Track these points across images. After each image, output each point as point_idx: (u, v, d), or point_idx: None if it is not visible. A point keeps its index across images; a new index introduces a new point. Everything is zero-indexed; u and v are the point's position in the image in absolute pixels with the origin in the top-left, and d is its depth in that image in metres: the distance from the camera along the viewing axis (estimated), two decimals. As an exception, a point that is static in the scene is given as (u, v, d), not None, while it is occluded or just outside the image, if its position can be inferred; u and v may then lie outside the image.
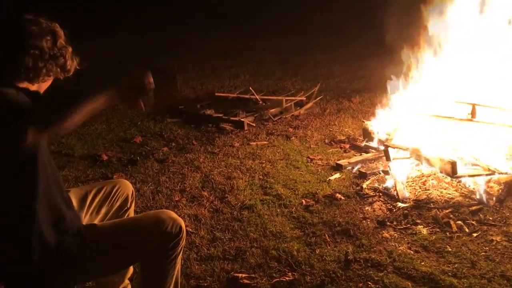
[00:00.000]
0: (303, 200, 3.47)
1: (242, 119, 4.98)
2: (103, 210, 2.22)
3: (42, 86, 1.86)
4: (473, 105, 3.76)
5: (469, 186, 3.48)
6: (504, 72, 3.97)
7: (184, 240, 2.07)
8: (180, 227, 2.02)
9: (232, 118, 5.03)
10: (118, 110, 5.66)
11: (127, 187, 2.31)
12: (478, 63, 4.02)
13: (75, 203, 2.07)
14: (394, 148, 3.76)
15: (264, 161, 4.17)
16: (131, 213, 2.32)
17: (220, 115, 5.13)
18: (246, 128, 4.91)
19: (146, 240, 1.97)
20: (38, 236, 1.76)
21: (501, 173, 3.49)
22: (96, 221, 2.17)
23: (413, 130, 3.95)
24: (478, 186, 3.42)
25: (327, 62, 7.72)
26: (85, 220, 2.12)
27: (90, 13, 11.47)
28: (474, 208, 3.22)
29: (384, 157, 3.86)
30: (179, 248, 2.05)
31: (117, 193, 2.26)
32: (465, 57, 4.08)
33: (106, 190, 2.23)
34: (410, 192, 3.47)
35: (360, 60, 7.35)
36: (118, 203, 2.26)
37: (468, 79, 3.99)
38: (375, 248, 2.86)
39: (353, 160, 4.04)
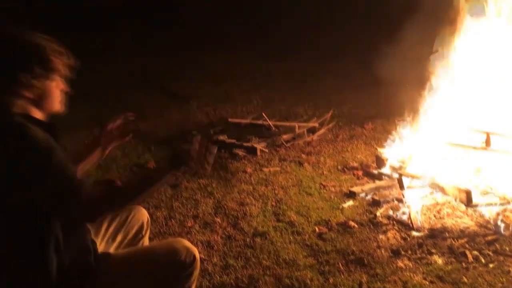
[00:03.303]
0: (316, 228, 3.45)
1: (255, 145, 5.00)
2: (119, 238, 2.23)
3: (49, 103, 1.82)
4: (488, 134, 3.74)
5: (485, 215, 3.45)
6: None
7: (198, 269, 2.07)
8: (194, 257, 2.02)
9: (245, 144, 5.04)
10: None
11: (142, 215, 2.32)
12: (493, 91, 4.01)
13: (91, 229, 2.08)
14: (408, 176, 3.74)
15: (276, 187, 4.17)
16: (146, 240, 2.33)
17: (233, 140, 5.15)
18: (259, 154, 4.92)
19: (160, 270, 1.97)
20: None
21: (517, 202, 3.46)
22: (111, 249, 2.18)
23: (427, 158, 3.94)
24: (494, 215, 3.39)
25: (339, 88, 7.74)
26: (100, 247, 2.13)
27: (96, 32, 11.60)
28: (490, 238, 3.18)
29: (398, 185, 3.84)
30: (193, 278, 2.04)
31: (132, 221, 2.27)
32: (480, 85, 4.08)
33: (121, 218, 2.24)
34: (425, 221, 3.44)
35: (373, 86, 7.35)
36: (133, 231, 2.27)
37: (482, 107, 3.98)
38: (389, 278, 2.83)
39: (366, 187, 4.02)
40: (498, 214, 3.39)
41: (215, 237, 3.36)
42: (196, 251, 2.05)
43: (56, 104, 1.84)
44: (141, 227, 2.30)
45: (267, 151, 5.03)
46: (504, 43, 4.00)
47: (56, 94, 1.83)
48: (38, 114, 1.78)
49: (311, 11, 12.01)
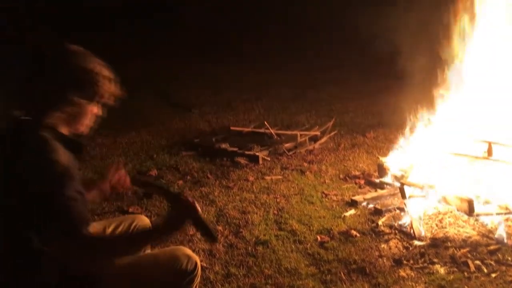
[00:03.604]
0: (318, 236, 3.45)
1: (257, 153, 5.01)
2: None
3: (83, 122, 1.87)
4: (490, 143, 3.74)
5: (487, 225, 3.44)
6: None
7: (199, 277, 2.07)
8: (196, 264, 2.02)
9: (247, 152, 5.06)
10: (134, 143, 5.74)
11: (145, 223, 2.33)
12: (495, 100, 4.03)
13: None
14: (410, 186, 3.75)
15: (278, 196, 4.17)
16: (148, 248, 2.33)
17: (235, 149, 5.17)
18: (260, 162, 4.93)
19: (161, 277, 1.97)
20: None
21: (519, 212, 3.46)
22: None
23: (429, 167, 3.94)
24: (496, 225, 3.38)
25: (341, 96, 7.76)
26: None
27: (96, 32, 11.59)
28: (492, 247, 3.18)
29: (400, 194, 3.84)
30: (194, 285, 2.04)
31: (135, 229, 2.27)
32: (482, 95, 4.09)
33: (124, 226, 2.25)
34: (427, 230, 3.43)
35: (375, 95, 7.38)
36: None
37: (485, 117, 3.98)
38: (391, 288, 2.82)
39: (368, 196, 4.02)
40: (500, 224, 3.38)
41: (217, 246, 3.35)
42: (197, 259, 2.05)
43: (85, 125, 1.89)
44: None
45: (269, 159, 5.04)
46: (507, 53, 4.02)
47: (90, 117, 1.89)
48: (64, 130, 1.82)
49: (313, 19, 12.07)
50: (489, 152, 3.75)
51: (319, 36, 11.47)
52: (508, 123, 3.91)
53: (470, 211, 3.45)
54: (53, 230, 1.64)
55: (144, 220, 2.34)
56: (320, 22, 11.81)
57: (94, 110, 1.88)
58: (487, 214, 3.48)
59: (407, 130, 4.64)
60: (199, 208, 1.88)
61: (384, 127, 6.05)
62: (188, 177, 4.68)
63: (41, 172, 1.64)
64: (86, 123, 1.89)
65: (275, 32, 12.29)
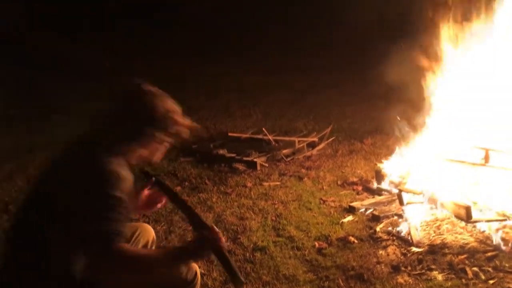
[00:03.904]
0: (316, 243, 3.45)
1: (255, 160, 5.01)
2: None
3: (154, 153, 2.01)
4: (487, 150, 3.76)
5: (484, 231, 3.45)
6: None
7: (199, 286, 2.08)
8: (195, 274, 2.04)
9: (245, 158, 5.06)
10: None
11: (148, 233, 2.34)
12: (492, 107, 4.04)
13: None
14: (407, 192, 3.76)
15: (276, 202, 4.17)
16: None
17: (233, 155, 5.17)
18: (258, 168, 4.94)
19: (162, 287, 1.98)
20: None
21: (516, 219, 3.46)
22: None
23: (427, 174, 3.95)
24: (494, 231, 3.39)
25: (339, 102, 7.77)
26: None
27: (96, 32, 11.54)
28: (489, 254, 3.18)
29: (398, 201, 3.85)
30: None
31: (138, 237, 2.29)
32: (479, 101, 4.11)
33: (127, 234, 2.25)
34: (425, 237, 3.44)
35: (373, 100, 7.40)
36: (139, 247, 2.28)
37: (482, 124, 4.00)
38: (389, 294, 2.82)
39: (366, 202, 4.03)
40: (497, 230, 3.39)
41: (215, 252, 3.35)
42: (197, 268, 2.07)
43: (157, 157, 2.04)
44: (146, 245, 2.31)
45: (267, 165, 5.05)
46: (503, 60, 4.04)
47: (163, 150, 2.04)
48: (135, 160, 1.96)
49: (313, 20, 12.09)
50: (486, 158, 3.77)
51: (319, 36, 11.47)
52: (505, 129, 3.93)
53: (467, 217, 3.46)
54: (90, 241, 1.71)
55: (147, 229, 2.35)
56: (320, 22, 11.82)
57: (167, 143, 2.02)
58: (485, 221, 3.49)
59: (404, 136, 4.65)
60: (224, 245, 1.93)
61: (382, 133, 6.05)
62: (186, 183, 4.68)
63: (94, 195, 1.75)
64: (158, 155, 2.04)
65: (275, 32, 12.30)
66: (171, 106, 1.98)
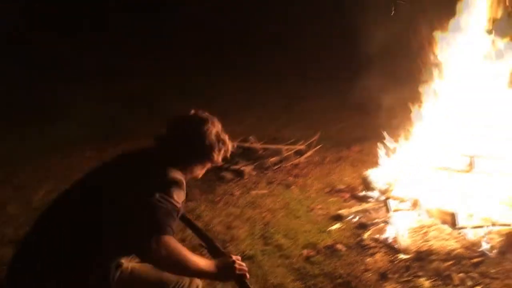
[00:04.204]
0: (304, 251, 3.46)
1: (243, 168, 5.01)
2: None
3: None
4: (472, 157, 3.80)
5: (470, 237, 3.48)
6: (501, 122, 4.05)
7: None
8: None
9: (232, 167, 5.06)
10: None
11: None
12: (477, 115, 4.10)
13: None
14: (394, 199, 3.78)
15: (264, 210, 4.17)
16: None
17: (221, 163, 5.16)
18: (246, 176, 4.94)
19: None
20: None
21: (502, 225, 3.50)
22: None
23: (413, 181, 3.98)
24: (479, 237, 3.42)
25: (327, 109, 7.81)
26: None
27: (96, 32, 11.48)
28: (475, 260, 3.21)
29: (385, 207, 3.87)
30: None
31: None
32: (464, 109, 4.16)
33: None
34: (411, 243, 3.45)
35: (360, 108, 7.43)
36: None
37: (467, 131, 4.05)
38: (377, 302, 2.83)
39: (353, 210, 4.04)
40: (483, 236, 3.42)
41: (203, 261, 3.34)
42: (199, 283, 2.25)
43: (201, 174, 2.29)
44: None
45: (254, 174, 5.05)
46: (487, 68, 4.10)
47: (208, 168, 2.30)
48: (186, 177, 2.12)
49: (303, 32, 12.12)
50: (471, 165, 3.80)
51: (308, 49, 11.52)
52: (489, 136, 3.98)
53: (453, 224, 3.49)
54: (145, 232, 1.84)
55: None
56: (309, 34, 11.87)
57: (213, 163, 2.27)
58: (470, 227, 3.52)
59: (392, 143, 4.68)
60: (247, 274, 2.13)
61: (370, 140, 6.06)
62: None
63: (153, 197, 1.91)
64: (203, 173, 2.29)
65: (269, 37, 12.32)
66: (221, 129, 2.28)
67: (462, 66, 4.24)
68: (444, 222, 3.58)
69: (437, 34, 4.29)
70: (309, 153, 5.64)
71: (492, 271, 3.09)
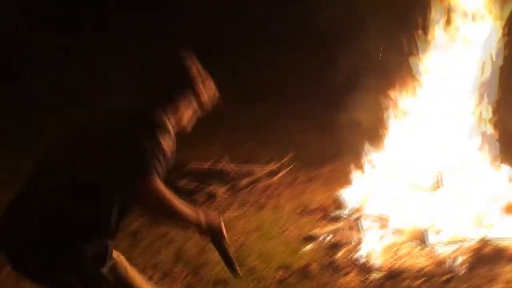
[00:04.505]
0: (277, 273, 3.45)
1: (215, 190, 4.99)
2: None
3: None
4: (440, 174, 3.88)
5: (440, 254, 3.53)
6: (467, 138, 4.17)
7: None
8: None
9: (205, 189, 5.03)
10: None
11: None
12: (444, 132, 4.20)
13: None
14: (366, 218, 3.82)
15: (237, 233, 4.14)
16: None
17: (193, 186, 5.13)
18: (219, 199, 4.91)
19: None
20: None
21: (470, 241, 3.57)
22: None
23: (384, 199, 4.04)
24: (449, 254, 3.47)
25: (299, 129, 7.82)
26: None
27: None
28: (446, 277, 3.26)
29: (357, 227, 3.90)
30: None
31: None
32: (432, 127, 4.26)
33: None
34: (384, 262, 3.49)
35: (332, 127, 7.50)
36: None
37: (436, 149, 4.14)
38: (350, 323, 2.83)
39: (326, 230, 4.06)
40: (453, 253, 3.48)
41: (175, 287, 3.30)
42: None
43: (188, 124, 2.21)
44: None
45: (227, 195, 5.03)
46: (455, 85, 4.22)
47: (193, 117, 2.22)
48: (174, 124, 2.10)
49: (275, 50, 12.21)
50: (440, 182, 3.88)
51: (279, 68, 11.61)
52: (457, 153, 4.08)
53: (423, 241, 3.54)
54: (132, 173, 1.89)
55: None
56: (282, 53, 11.97)
57: (195, 110, 2.19)
58: (440, 244, 3.57)
59: (362, 161, 4.74)
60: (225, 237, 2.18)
61: (340, 159, 6.13)
62: (146, 216, 4.60)
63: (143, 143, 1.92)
64: (190, 119, 2.20)
65: (238, 54, 12.37)
66: (201, 70, 2.16)
67: (431, 84, 4.35)
68: (414, 240, 3.63)
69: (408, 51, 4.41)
70: (281, 174, 5.65)
71: (462, 287, 3.13)
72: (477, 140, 4.15)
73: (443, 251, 3.54)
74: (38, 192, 2.00)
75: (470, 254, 3.48)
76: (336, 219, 4.32)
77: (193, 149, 6.93)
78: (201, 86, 2.15)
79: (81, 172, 1.94)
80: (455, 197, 3.86)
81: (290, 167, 5.83)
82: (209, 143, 6.98)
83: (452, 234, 3.63)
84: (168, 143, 1.97)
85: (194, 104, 2.17)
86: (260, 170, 5.56)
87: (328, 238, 3.92)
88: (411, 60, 4.42)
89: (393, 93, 4.57)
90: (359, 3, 5.42)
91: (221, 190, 5.04)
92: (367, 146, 4.75)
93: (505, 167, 4.18)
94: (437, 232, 3.68)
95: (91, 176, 1.92)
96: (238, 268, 2.16)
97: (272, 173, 5.65)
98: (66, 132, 2.16)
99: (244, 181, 5.29)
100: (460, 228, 3.68)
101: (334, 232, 4.00)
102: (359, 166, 4.73)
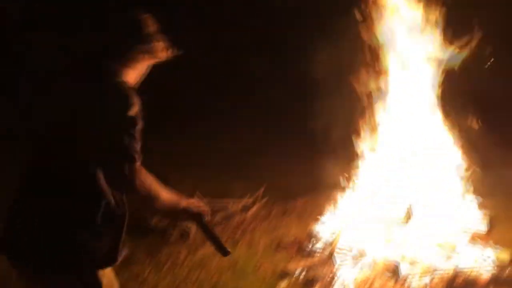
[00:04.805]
0: (252, 312, 3.40)
1: (188, 227, 4.94)
2: None
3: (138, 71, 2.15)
4: (410, 206, 3.93)
5: (414, 286, 3.55)
6: (436, 171, 4.25)
7: None
8: None
9: (178, 226, 4.97)
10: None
11: None
12: (413, 164, 4.28)
13: None
14: (339, 252, 3.83)
15: (211, 271, 4.09)
16: None
17: (165, 223, 5.07)
18: (192, 236, 4.85)
19: None
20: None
21: (443, 271, 3.60)
22: None
23: (357, 232, 4.06)
24: (423, 285, 3.50)
25: (271, 161, 7.88)
26: None
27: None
28: (420, 310, 3.27)
29: (331, 261, 3.91)
30: None
31: None
32: (402, 159, 4.33)
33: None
34: (358, 297, 3.49)
35: (304, 159, 7.57)
36: None
37: (406, 181, 4.20)
38: None
39: (300, 265, 4.04)
40: (426, 284, 3.50)
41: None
42: None
43: (139, 77, 2.16)
44: None
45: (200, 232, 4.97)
46: (425, 120, 4.33)
47: (146, 68, 2.18)
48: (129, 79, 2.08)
49: (247, 81, 12.31)
50: (410, 213, 3.93)
51: (249, 100, 11.70)
52: (426, 185, 4.15)
53: (396, 273, 3.56)
54: (114, 156, 1.92)
55: None
56: (252, 84, 12.08)
57: (146, 59, 2.14)
58: (412, 275, 3.60)
59: (335, 194, 4.78)
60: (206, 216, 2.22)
61: (315, 190, 6.16)
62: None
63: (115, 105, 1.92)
64: (140, 75, 2.16)
65: (211, 97, 12.42)
66: (146, 21, 2.13)
67: (400, 116, 4.46)
68: (388, 272, 3.64)
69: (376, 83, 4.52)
70: (255, 208, 5.64)
71: (437, 320, 3.15)
72: (446, 171, 4.24)
73: (417, 282, 3.56)
74: (34, 192, 2.02)
75: (443, 284, 3.51)
76: (311, 253, 4.32)
77: (165, 185, 6.88)
78: (158, 42, 2.14)
79: (69, 165, 1.97)
80: (426, 228, 3.90)
81: (264, 200, 5.83)
82: (181, 179, 6.93)
83: (425, 265, 3.66)
84: (136, 107, 1.96)
85: (151, 59, 2.17)
86: (233, 205, 5.54)
87: (303, 273, 3.91)
88: (376, 98, 4.54)
89: (363, 129, 4.66)
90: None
91: (194, 227, 4.99)
92: (340, 179, 4.79)
93: (473, 197, 4.26)
94: (410, 264, 3.71)
95: (78, 168, 1.95)
96: (226, 246, 2.22)
97: (246, 208, 5.63)
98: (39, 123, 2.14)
99: (218, 217, 5.25)
100: (432, 259, 3.71)
101: (309, 267, 3.99)
102: (333, 199, 4.76)
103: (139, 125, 1.96)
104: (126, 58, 2.08)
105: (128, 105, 1.92)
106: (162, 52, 2.16)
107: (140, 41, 2.10)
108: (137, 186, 1.95)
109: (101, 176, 1.96)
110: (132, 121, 1.93)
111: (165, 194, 2.08)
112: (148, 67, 2.20)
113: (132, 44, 2.10)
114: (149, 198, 2.05)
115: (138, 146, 1.95)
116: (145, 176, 1.98)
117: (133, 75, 2.12)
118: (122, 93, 1.95)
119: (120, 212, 2.03)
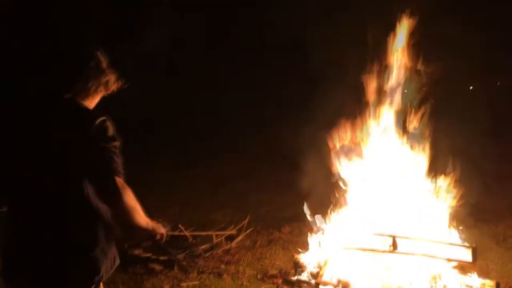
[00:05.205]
0: None
1: (172, 258, 4.86)
2: None
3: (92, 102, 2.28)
4: (394, 237, 3.93)
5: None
6: (421, 201, 4.28)
7: None
8: None
9: (161, 258, 4.89)
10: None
11: None
12: (397, 195, 4.30)
13: None
14: (324, 284, 3.79)
15: (195, 304, 4.03)
16: None
17: (149, 254, 4.98)
18: (176, 267, 4.78)
19: None
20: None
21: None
22: None
23: (342, 264, 4.03)
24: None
25: (256, 191, 7.84)
26: None
27: None
28: None
29: (316, 292, 3.87)
30: None
31: None
32: (385, 190, 4.36)
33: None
34: (344, 330, 3.44)
35: (289, 188, 7.55)
36: None
37: (389, 212, 4.21)
38: None
39: (286, 297, 4.00)
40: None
41: None
42: None
43: (93, 103, 2.28)
44: None
45: (185, 263, 4.90)
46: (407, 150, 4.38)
47: (98, 95, 2.30)
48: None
49: (229, 111, 12.37)
50: (394, 245, 3.92)
51: (232, 128, 11.75)
52: (409, 216, 4.17)
53: (383, 305, 3.54)
54: (101, 172, 2.10)
55: None
56: (234, 115, 12.15)
57: (102, 93, 2.28)
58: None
59: (319, 225, 4.76)
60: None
61: (299, 220, 6.11)
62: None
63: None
64: (94, 102, 2.28)
65: (186, 125, 12.43)
66: (100, 57, 2.25)
67: (383, 152, 4.50)
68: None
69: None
70: (240, 238, 5.59)
71: None
72: (428, 202, 4.27)
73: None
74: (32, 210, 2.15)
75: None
76: (296, 284, 4.29)
77: (147, 215, 6.79)
78: (108, 71, 2.25)
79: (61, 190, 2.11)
80: (410, 259, 3.90)
81: (249, 230, 5.78)
82: (164, 210, 6.86)
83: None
84: (111, 128, 2.12)
85: (103, 90, 2.29)
86: (218, 235, 5.48)
87: (289, 306, 3.86)
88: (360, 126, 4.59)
89: (347, 158, 4.68)
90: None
91: (178, 258, 4.91)
92: (325, 207, 4.78)
93: (457, 227, 4.29)
94: (396, 296, 3.69)
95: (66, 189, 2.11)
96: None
97: (231, 238, 5.58)
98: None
99: (203, 248, 5.19)
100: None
101: (294, 299, 3.95)
102: (318, 228, 4.73)
103: (118, 143, 2.13)
104: (86, 92, 2.22)
105: (105, 126, 2.09)
106: (114, 84, 2.30)
107: (97, 75, 2.23)
108: (123, 200, 2.10)
109: (92, 196, 2.12)
110: (112, 139, 2.10)
111: (142, 212, 2.25)
112: (99, 100, 2.33)
113: (90, 79, 2.22)
114: (131, 213, 2.19)
115: (120, 161, 2.11)
116: (129, 191, 2.14)
117: (91, 106, 2.26)
118: (96, 116, 2.10)
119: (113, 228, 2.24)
